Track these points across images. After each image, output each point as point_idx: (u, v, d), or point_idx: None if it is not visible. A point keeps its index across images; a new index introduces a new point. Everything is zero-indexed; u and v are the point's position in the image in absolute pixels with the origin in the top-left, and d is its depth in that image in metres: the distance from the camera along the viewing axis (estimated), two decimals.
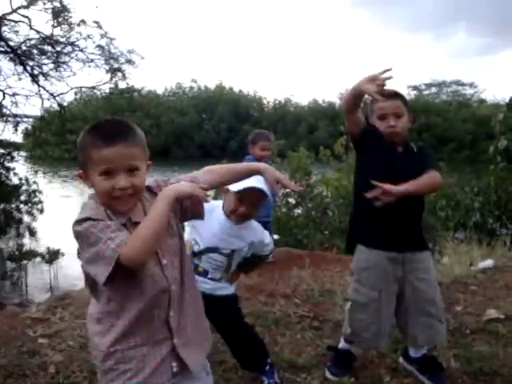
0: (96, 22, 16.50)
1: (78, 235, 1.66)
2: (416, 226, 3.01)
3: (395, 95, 2.94)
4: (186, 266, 1.93)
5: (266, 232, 2.98)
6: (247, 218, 2.74)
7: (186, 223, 2.77)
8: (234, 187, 2.56)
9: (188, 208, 1.97)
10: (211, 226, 2.74)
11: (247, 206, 2.66)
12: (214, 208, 2.75)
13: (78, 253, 1.73)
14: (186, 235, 2.75)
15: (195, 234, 2.80)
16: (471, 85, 66.81)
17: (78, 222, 1.67)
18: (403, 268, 2.91)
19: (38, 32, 15.87)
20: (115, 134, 1.71)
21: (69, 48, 16.82)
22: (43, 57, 16.67)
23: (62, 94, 17.30)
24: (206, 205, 1.98)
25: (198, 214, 2.03)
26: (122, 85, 19.10)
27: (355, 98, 2.75)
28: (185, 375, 1.91)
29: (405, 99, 3.00)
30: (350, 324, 3.02)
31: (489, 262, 5.49)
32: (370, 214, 2.91)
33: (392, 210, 2.79)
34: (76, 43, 16.74)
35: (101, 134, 1.72)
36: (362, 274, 2.96)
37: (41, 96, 16.81)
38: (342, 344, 3.19)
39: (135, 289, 1.77)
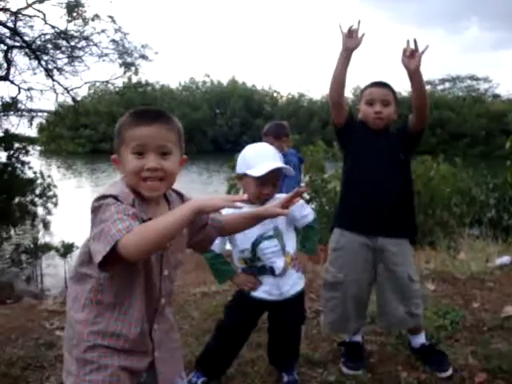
0: (110, 17, 16.60)
1: (96, 209, 1.61)
2: (397, 212, 3.00)
3: (385, 85, 3.07)
4: (176, 281, 1.91)
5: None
6: (271, 196, 2.67)
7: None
8: (254, 172, 2.56)
9: (199, 241, 1.99)
10: None
11: (270, 187, 2.63)
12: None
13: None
14: (219, 248, 2.72)
15: (229, 244, 2.76)
16: (485, 79, 66.12)
17: (101, 197, 1.62)
18: (374, 255, 2.99)
19: (52, 27, 15.99)
20: (153, 116, 1.73)
21: (83, 43, 16.93)
22: (58, 51, 16.77)
23: (76, 88, 17.43)
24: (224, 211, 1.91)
25: (202, 249, 2.09)
26: (136, 79, 19.18)
27: (346, 60, 2.88)
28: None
29: (393, 90, 3.09)
30: (322, 303, 3.20)
31: (506, 259, 5.44)
32: (350, 198, 3.07)
33: (372, 193, 2.94)
34: (90, 38, 16.83)
35: (138, 116, 1.74)
36: (332, 254, 3.11)
37: (55, 90, 16.95)
38: (347, 337, 3.25)
39: (130, 290, 1.72)
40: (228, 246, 2.77)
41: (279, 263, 2.71)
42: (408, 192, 3.09)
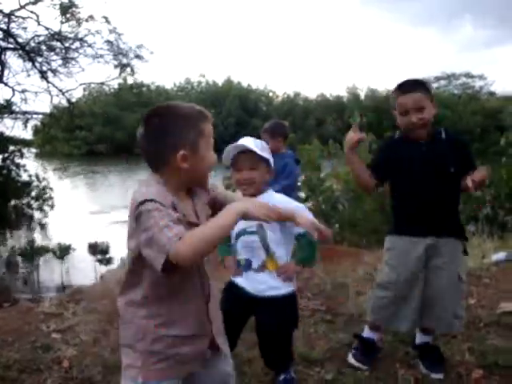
0: (104, 18, 16.55)
1: (140, 215, 1.63)
2: (448, 213, 2.97)
3: (414, 86, 2.87)
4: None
5: (285, 197, 2.84)
6: (252, 184, 2.66)
7: None
8: (226, 160, 2.65)
9: None
10: None
11: (246, 171, 2.65)
12: None
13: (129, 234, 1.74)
14: None
15: None
16: (480, 77, 66.27)
17: (143, 203, 1.64)
18: (426, 253, 2.92)
19: (46, 28, 15.96)
20: (206, 113, 1.85)
21: (77, 44, 16.91)
22: (52, 53, 16.75)
23: (70, 90, 17.39)
24: None
25: None
26: (131, 80, 19.16)
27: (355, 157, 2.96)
28: (215, 358, 1.99)
29: (426, 87, 2.91)
30: (372, 302, 3.11)
31: (501, 255, 5.44)
32: (403, 205, 3.02)
33: (419, 196, 2.88)
34: (84, 39, 16.81)
35: (200, 113, 1.82)
36: (386, 254, 3.06)
37: (50, 92, 16.93)
38: (365, 333, 3.22)
39: (186, 280, 1.81)
40: None
41: (256, 260, 2.71)
42: (456, 191, 2.99)
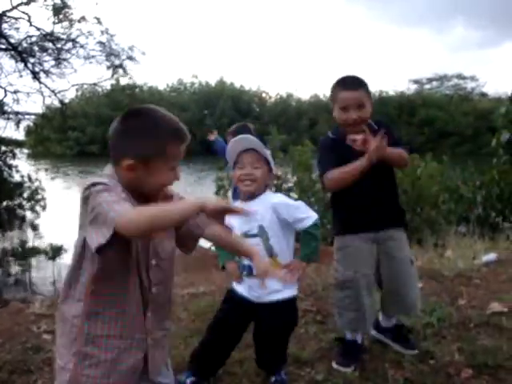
0: (96, 19, 16.50)
1: (86, 198, 1.62)
2: (389, 204, 3.10)
3: (357, 84, 2.97)
4: (173, 269, 1.94)
5: (284, 196, 2.90)
6: (254, 181, 2.67)
7: None
8: (230, 159, 2.71)
9: (184, 238, 2.00)
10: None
11: (247, 169, 2.67)
12: None
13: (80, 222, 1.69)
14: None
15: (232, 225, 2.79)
16: (472, 78, 66.62)
17: (92, 185, 1.63)
18: (378, 246, 3.05)
19: (38, 29, 15.89)
20: (186, 134, 1.82)
21: (69, 45, 16.83)
22: (44, 54, 16.67)
23: (63, 90, 17.31)
24: None
25: (188, 249, 2.09)
26: (124, 81, 19.11)
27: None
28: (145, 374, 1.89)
29: (367, 87, 3.02)
30: (335, 303, 3.19)
31: (492, 256, 5.48)
32: (343, 204, 3.09)
33: (362, 191, 2.95)
34: (77, 40, 16.74)
35: (178, 129, 1.80)
36: (337, 254, 3.13)
37: (42, 93, 16.84)
38: (348, 335, 3.23)
39: (123, 281, 1.75)
40: None
41: None
42: (394, 183, 3.17)
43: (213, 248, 3.21)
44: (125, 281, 1.76)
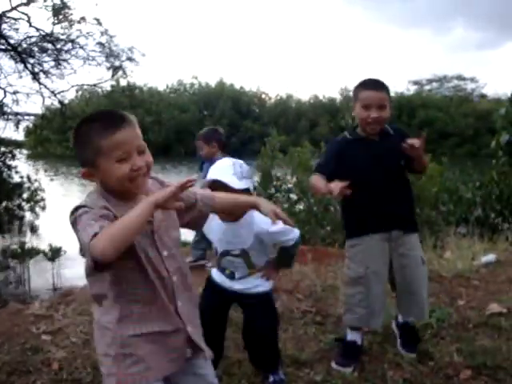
0: (96, 19, 16.50)
1: (72, 224, 1.69)
2: (403, 208, 3.13)
3: (381, 87, 3.06)
4: (181, 255, 1.97)
5: (267, 219, 2.86)
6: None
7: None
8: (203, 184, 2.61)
9: (192, 219, 2.03)
10: (215, 231, 2.76)
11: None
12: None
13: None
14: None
15: (211, 239, 2.86)
16: (472, 79, 66.68)
17: (73, 211, 1.69)
18: (390, 245, 3.08)
19: (37, 29, 15.89)
20: (118, 120, 1.74)
21: (69, 45, 16.83)
22: (44, 54, 16.68)
23: (62, 91, 17.31)
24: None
25: (197, 226, 2.18)
26: (123, 82, 19.11)
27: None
28: (197, 361, 1.99)
29: (388, 91, 3.10)
30: (345, 300, 3.23)
31: (491, 257, 5.48)
32: (356, 207, 3.11)
33: (373, 194, 3.03)
34: (76, 40, 16.74)
35: (104, 123, 1.74)
36: (350, 251, 3.17)
37: (42, 94, 16.84)
38: (349, 336, 3.25)
39: (139, 279, 1.79)
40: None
41: (241, 273, 2.80)
42: (408, 186, 3.24)
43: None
44: (143, 278, 1.80)
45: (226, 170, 2.59)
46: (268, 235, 2.68)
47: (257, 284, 2.81)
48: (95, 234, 1.55)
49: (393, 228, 3.07)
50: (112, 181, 1.75)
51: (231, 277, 2.81)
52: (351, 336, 3.23)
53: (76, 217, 1.67)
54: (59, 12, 15.80)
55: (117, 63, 17.75)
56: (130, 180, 1.74)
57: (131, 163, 1.73)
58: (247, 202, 2.19)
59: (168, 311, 1.86)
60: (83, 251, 1.64)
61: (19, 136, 18.93)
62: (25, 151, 20.89)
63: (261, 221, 2.55)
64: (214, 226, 2.71)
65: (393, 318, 3.48)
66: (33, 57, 16.44)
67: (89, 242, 1.55)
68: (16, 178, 16.13)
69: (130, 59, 17.95)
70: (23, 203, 16.33)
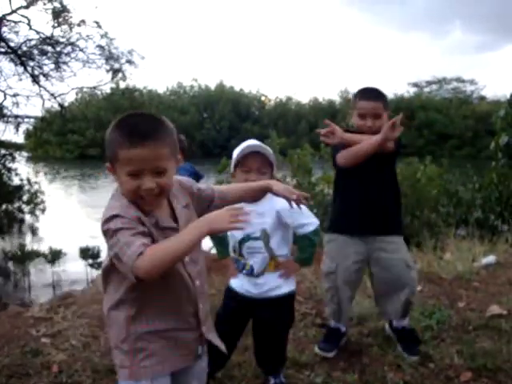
0: (96, 22, 16.55)
1: (104, 233, 1.68)
2: (385, 212, 3.19)
3: (376, 96, 3.16)
4: (201, 258, 1.97)
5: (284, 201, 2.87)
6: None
7: None
8: (235, 160, 2.65)
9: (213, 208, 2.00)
10: None
11: (254, 174, 2.62)
12: None
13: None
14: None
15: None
16: (471, 81, 66.74)
17: (107, 220, 1.67)
18: (366, 246, 3.17)
19: (37, 32, 15.93)
20: (143, 134, 1.67)
21: (69, 48, 16.89)
22: (44, 57, 16.72)
23: (62, 94, 17.34)
24: None
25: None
26: (123, 84, 19.14)
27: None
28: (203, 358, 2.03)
29: (384, 99, 3.20)
30: (324, 295, 3.38)
31: (491, 258, 5.47)
32: (339, 205, 3.27)
33: (364, 197, 3.13)
34: (76, 43, 16.78)
35: (128, 133, 1.68)
36: (327, 245, 3.33)
37: (41, 96, 16.89)
38: (332, 323, 3.39)
39: (161, 282, 1.77)
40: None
41: (260, 264, 2.73)
42: (397, 194, 3.32)
43: (213, 250, 3.24)
44: (164, 285, 1.79)
45: (260, 144, 2.70)
46: (289, 213, 2.61)
47: (277, 285, 2.76)
48: (140, 253, 1.57)
49: (373, 233, 3.16)
50: (123, 189, 1.75)
51: (250, 273, 2.75)
52: (335, 324, 3.36)
53: (111, 230, 1.65)
54: (59, 15, 15.84)
55: (116, 66, 17.80)
56: (139, 197, 1.72)
57: (140, 183, 1.69)
58: (260, 186, 2.18)
59: (185, 312, 1.88)
60: (120, 266, 1.65)
61: (19, 138, 18.94)
62: (25, 154, 20.87)
63: (282, 201, 2.59)
64: None
65: (386, 321, 3.53)
66: (33, 59, 16.47)
67: (133, 263, 1.57)
68: (16, 181, 16.13)
69: (129, 62, 18.01)
70: (23, 206, 16.32)
